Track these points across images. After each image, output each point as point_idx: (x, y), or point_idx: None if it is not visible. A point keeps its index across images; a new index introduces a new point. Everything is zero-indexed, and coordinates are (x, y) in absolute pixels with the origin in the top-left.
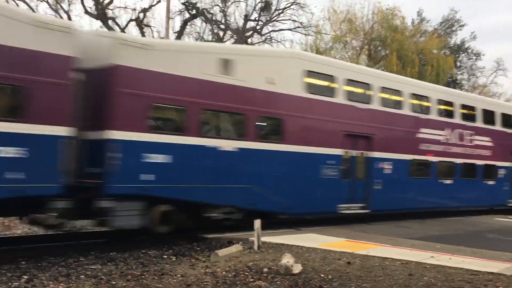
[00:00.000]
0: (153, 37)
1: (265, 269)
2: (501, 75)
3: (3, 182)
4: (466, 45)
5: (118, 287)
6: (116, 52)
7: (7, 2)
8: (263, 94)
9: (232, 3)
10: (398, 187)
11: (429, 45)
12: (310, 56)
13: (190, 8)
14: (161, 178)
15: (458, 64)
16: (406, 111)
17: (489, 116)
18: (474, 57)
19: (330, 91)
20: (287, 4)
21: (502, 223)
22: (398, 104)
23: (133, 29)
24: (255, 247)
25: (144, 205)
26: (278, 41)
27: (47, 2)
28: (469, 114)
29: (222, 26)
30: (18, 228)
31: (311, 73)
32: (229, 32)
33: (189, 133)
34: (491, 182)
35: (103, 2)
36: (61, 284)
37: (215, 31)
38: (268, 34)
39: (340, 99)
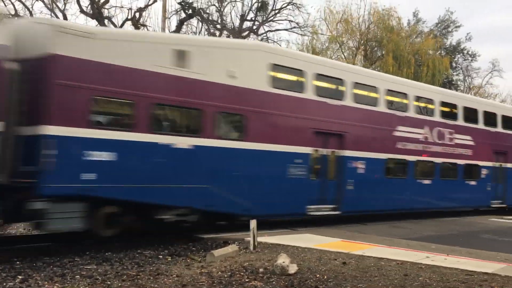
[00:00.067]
0: None
1: (261, 269)
2: (496, 76)
3: None
4: (462, 46)
5: (113, 287)
6: (53, 40)
7: None
8: (223, 89)
9: (228, 3)
10: (372, 188)
11: (425, 46)
12: (276, 49)
13: (186, 7)
14: (105, 177)
15: (454, 65)
16: (381, 108)
17: (471, 114)
18: (469, 58)
19: (298, 86)
20: (284, 4)
21: (497, 224)
22: (373, 101)
23: (129, 29)
24: (251, 247)
25: (86, 207)
26: (274, 41)
27: (43, 1)
28: (449, 112)
29: (218, 26)
30: (13, 228)
31: (277, 67)
32: (225, 32)
33: (138, 129)
34: (473, 183)
35: (99, 1)
36: (56, 284)
37: (211, 31)
38: (265, 34)
39: (309, 94)
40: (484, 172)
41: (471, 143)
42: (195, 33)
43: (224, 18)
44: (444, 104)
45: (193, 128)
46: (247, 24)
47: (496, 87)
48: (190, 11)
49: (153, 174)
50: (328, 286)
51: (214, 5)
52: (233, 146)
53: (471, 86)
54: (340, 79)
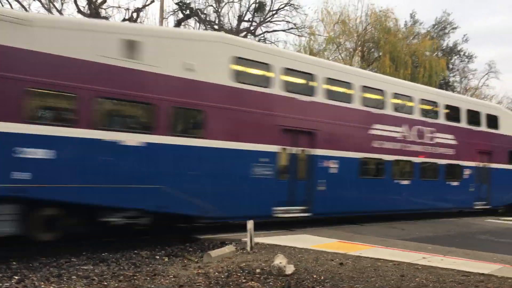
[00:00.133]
0: None
1: (258, 270)
2: (493, 77)
3: None
4: (459, 48)
5: None
6: None
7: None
8: (179, 82)
9: (225, 3)
10: (346, 188)
11: (421, 47)
12: (240, 41)
13: (184, 8)
14: (41, 177)
15: (451, 66)
16: (356, 105)
17: (453, 113)
18: (466, 60)
19: (264, 81)
20: (281, 5)
21: (494, 225)
22: (347, 97)
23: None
24: (248, 248)
25: (20, 209)
26: (272, 42)
27: (40, 1)
28: (430, 110)
29: (216, 27)
30: None
31: (241, 60)
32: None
33: (80, 124)
34: (455, 183)
35: (96, 1)
36: (53, 284)
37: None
38: (262, 35)
39: (276, 90)
40: (466, 172)
41: (453, 142)
42: None
43: (222, 18)
44: (424, 101)
45: (145, 124)
46: (244, 24)
47: (493, 88)
48: (188, 12)
49: (96, 173)
50: (325, 286)
51: (211, 5)
52: (191, 144)
53: (467, 88)
54: (311, 74)
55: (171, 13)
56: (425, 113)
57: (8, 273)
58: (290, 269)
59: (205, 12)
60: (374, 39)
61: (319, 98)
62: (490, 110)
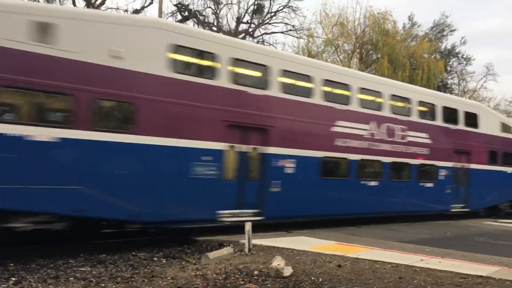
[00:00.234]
0: None
1: (256, 272)
2: (491, 80)
3: None
4: (457, 50)
5: None
6: None
7: None
8: (104, 71)
9: (224, 5)
10: (304, 190)
11: (420, 49)
12: (179, 27)
13: (183, 9)
14: None
15: (449, 68)
16: (317, 100)
17: (428, 110)
18: (464, 62)
19: (209, 72)
20: (280, 7)
21: (492, 227)
22: (306, 92)
23: None
24: (246, 249)
25: None
26: (270, 44)
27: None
28: (402, 106)
29: (215, 28)
30: None
31: (180, 48)
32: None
33: None
34: (429, 185)
35: (94, 2)
36: (50, 286)
37: None
38: (261, 37)
39: (223, 82)
40: (442, 173)
41: (428, 141)
42: None
43: (220, 20)
44: (395, 97)
45: (60, 117)
46: (243, 26)
47: (491, 91)
48: (186, 13)
49: None
50: None
51: (210, 7)
52: (118, 140)
53: (465, 90)
54: (264, 66)
55: (170, 14)
56: (396, 110)
57: (5, 274)
58: (288, 271)
59: (203, 13)
60: (373, 41)
61: (274, 92)
62: (468, 108)
